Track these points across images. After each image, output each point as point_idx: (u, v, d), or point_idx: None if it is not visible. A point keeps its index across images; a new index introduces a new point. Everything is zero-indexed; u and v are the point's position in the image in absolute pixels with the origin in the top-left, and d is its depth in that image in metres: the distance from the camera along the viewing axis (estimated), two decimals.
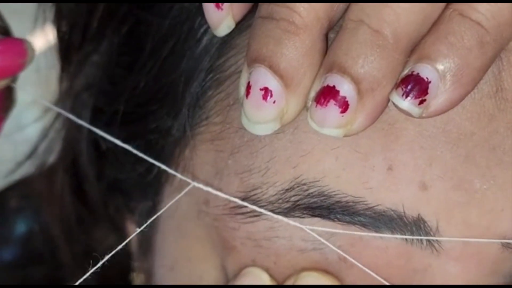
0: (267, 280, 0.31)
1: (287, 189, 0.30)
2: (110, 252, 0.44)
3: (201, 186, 0.32)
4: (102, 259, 0.45)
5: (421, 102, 0.27)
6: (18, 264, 0.48)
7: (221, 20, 0.29)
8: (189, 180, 0.32)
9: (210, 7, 0.29)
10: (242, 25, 0.31)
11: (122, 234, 0.42)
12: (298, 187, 0.30)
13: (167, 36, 0.34)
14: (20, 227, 0.48)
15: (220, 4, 0.29)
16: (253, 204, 0.31)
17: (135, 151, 0.33)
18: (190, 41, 0.33)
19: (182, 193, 0.32)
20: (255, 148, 0.31)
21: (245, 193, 0.31)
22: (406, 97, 0.27)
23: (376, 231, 0.30)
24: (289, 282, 0.31)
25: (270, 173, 0.31)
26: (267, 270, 0.31)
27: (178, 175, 0.33)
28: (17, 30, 0.35)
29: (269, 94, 0.27)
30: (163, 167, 0.33)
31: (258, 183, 0.31)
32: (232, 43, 0.32)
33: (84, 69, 0.38)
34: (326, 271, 0.31)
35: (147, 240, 0.38)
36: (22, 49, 0.31)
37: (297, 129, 0.30)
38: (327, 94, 0.27)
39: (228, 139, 0.32)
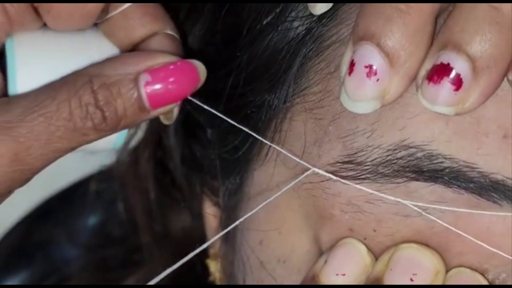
0: (364, 251, 0.31)
1: (394, 151, 0.30)
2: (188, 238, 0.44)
3: (320, 171, 0.31)
4: (179, 242, 0.45)
5: None
6: (96, 247, 0.49)
7: None
8: (308, 166, 0.32)
9: None
10: None
11: (198, 217, 0.42)
12: (405, 149, 0.30)
13: (266, 10, 0.34)
14: (96, 213, 0.49)
15: None
16: (357, 166, 0.30)
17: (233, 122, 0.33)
18: (292, 14, 0.33)
19: (301, 177, 0.32)
20: None
21: (349, 156, 0.31)
22: None
23: (494, 201, 0.29)
24: (388, 254, 0.30)
25: (375, 135, 0.30)
26: (364, 240, 0.31)
27: (298, 160, 0.32)
28: None
29: (373, 72, 0.27)
30: (266, 141, 0.33)
31: (363, 145, 0.30)
32: (333, 14, 0.32)
33: None
34: (427, 243, 0.30)
35: (229, 224, 0.38)
36: (196, 77, 0.32)
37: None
38: (441, 71, 0.27)
39: (329, 107, 0.32)
